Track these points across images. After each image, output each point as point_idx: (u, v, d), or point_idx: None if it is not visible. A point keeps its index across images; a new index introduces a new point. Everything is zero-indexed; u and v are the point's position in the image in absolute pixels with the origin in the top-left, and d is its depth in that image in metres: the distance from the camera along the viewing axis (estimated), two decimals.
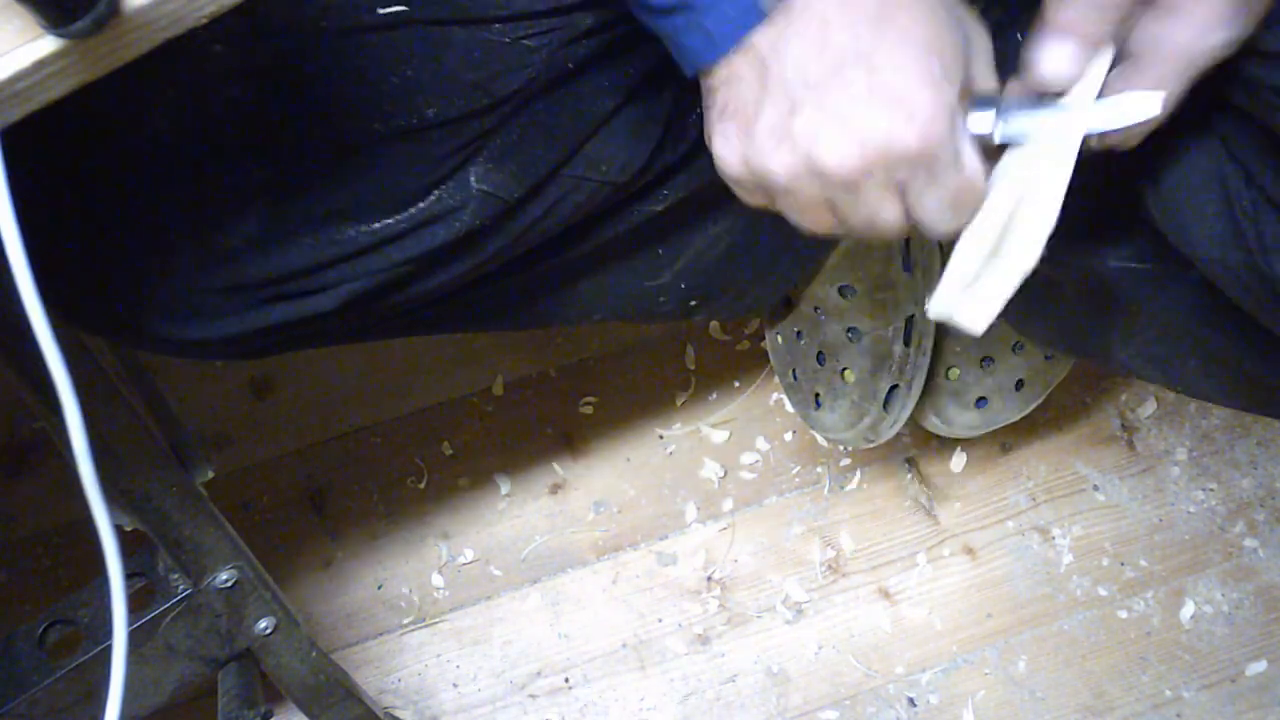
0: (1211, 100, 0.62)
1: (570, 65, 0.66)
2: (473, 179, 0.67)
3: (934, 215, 0.59)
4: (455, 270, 0.71)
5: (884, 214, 0.59)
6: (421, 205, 0.68)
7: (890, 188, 0.58)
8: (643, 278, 0.84)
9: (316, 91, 0.64)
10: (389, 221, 0.68)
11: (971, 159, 0.59)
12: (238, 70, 0.62)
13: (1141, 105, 0.57)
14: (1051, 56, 0.57)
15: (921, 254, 0.94)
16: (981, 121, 0.59)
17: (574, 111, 0.68)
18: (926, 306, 0.62)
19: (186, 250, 0.66)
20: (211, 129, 0.64)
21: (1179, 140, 0.65)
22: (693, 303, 0.88)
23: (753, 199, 0.62)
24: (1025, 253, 0.60)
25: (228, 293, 0.68)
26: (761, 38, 0.57)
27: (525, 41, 0.64)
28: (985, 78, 0.60)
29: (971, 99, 0.59)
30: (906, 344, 0.95)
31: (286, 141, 0.65)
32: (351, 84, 0.64)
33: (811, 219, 0.61)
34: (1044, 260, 0.61)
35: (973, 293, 0.61)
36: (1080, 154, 0.59)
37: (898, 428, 0.97)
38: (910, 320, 0.94)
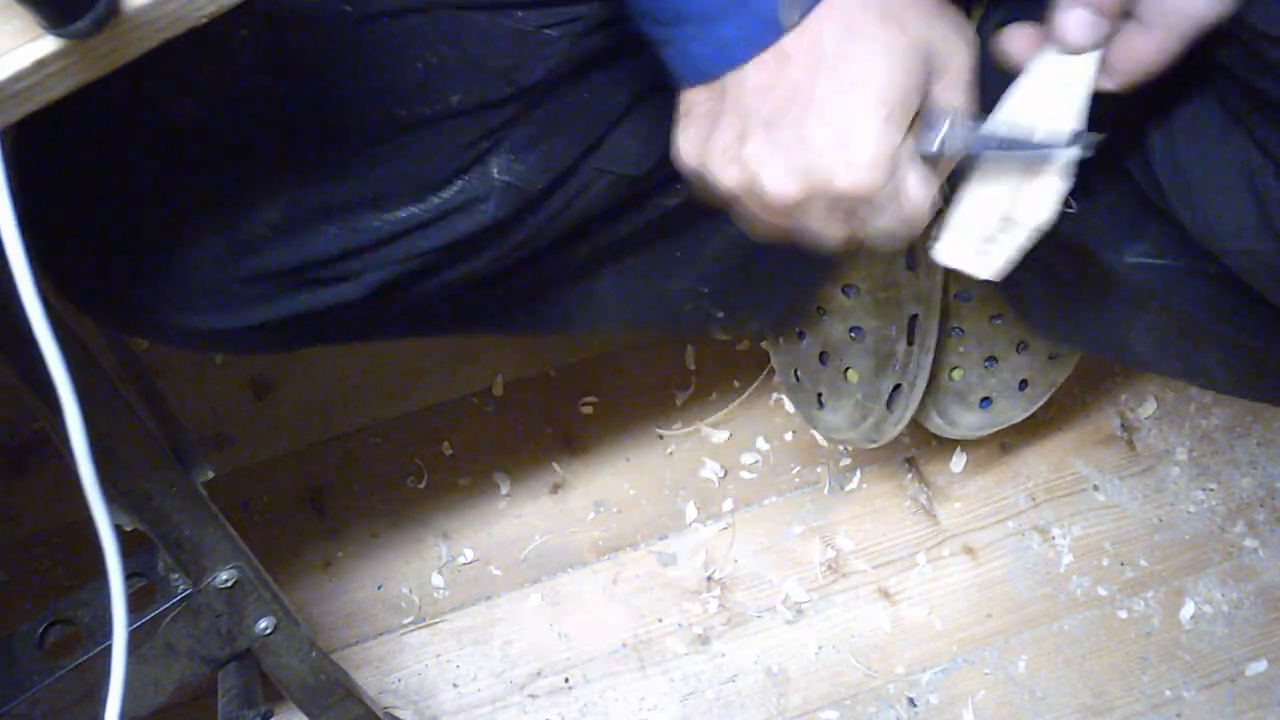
0: (1236, 91, 0.62)
1: (590, 55, 0.66)
2: (495, 170, 0.68)
3: (881, 237, 0.63)
4: (478, 261, 0.71)
5: (829, 234, 0.63)
6: (445, 194, 0.68)
7: (833, 215, 0.62)
8: (662, 278, 0.84)
9: (341, 78, 0.64)
10: (413, 210, 0.68)
11: (917, 188, 0.61)
12: (261, 57, 0.62)
13: (1074, 149, 0.61)
14: (1071, 22, 0.59)
15: (924, 253, 0.93)
16: (927, 142, 0.61)
17: (594, 103, 0.69)
18: (931, 252, 0.65)
19: (210, 240, 0.66)
20: (235, 116, 0.64)
21: (1204, 132, 0.65)
22: (718, 312, 0.87)
23: (707, 196, 0.66)
24: (1038, 211, 0.62)
25: (252, 281, 0.68)
26: (731, 75, 0.60)
27: (547, 30, 0.65)
28: (953, 99, 0.62)
29: (925, 119, 0.61)
30: (910, 343, 0.94)
31: (310, 129, 0.65)
32: (375, 70, 0.64)
33: (761, 228, 0.65)
34: (1059, 246, 0.63)
35: (986, 247, 0.63)
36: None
37: (901, 427, 0.97)
38: (913, 319, 0.94)
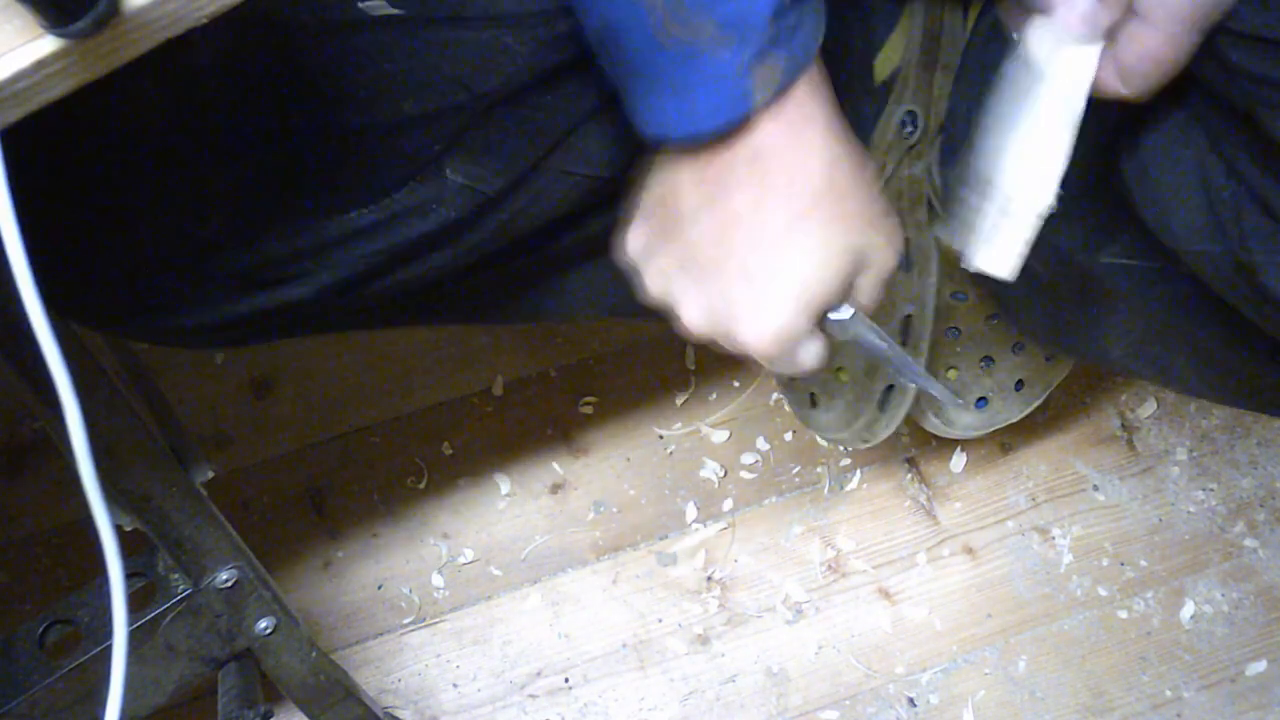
0: (1197, 90, 0.62)
1: (552, 65, 0.66)
2: (449, 172, 0.68)
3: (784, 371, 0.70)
4: (436, 260, 0.72)
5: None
6: (395, 197, 0.68)
7: (733, 349, 0.68)
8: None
9: (296, 85, 0.64)
10: (365, 212, 0.68)
11: (806, 356, 0.68)
12: (217, 62, 0.62)
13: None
14: (1073, 9, 0.59)
15: (919, 254, 0.94)
16: (833, 324, 0.68)
17: (556, 108, 0.68)
18: (963, 262, 0.67)
19: (163, 240, 0.67)
20: (190, 120, 0.64)
21: (1163, 132, 0.65)
22: None
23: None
24: (1037, 198, 0.64)
25: (204, 281, 0.68)
26: (691, 196, 0.64)
27: (506, 41, 0.65)
28: (864, 295, 0.68)
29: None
30: (903, 344, 0.94)
31: (264, 134, 0.65)
32: (330, 78, 0.64)
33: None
34: (1036, 247, 0.65)
35: (993, 243, 0.66)
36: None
37: (893, 428, 0.97)
38: (907, 320, 0.94)
